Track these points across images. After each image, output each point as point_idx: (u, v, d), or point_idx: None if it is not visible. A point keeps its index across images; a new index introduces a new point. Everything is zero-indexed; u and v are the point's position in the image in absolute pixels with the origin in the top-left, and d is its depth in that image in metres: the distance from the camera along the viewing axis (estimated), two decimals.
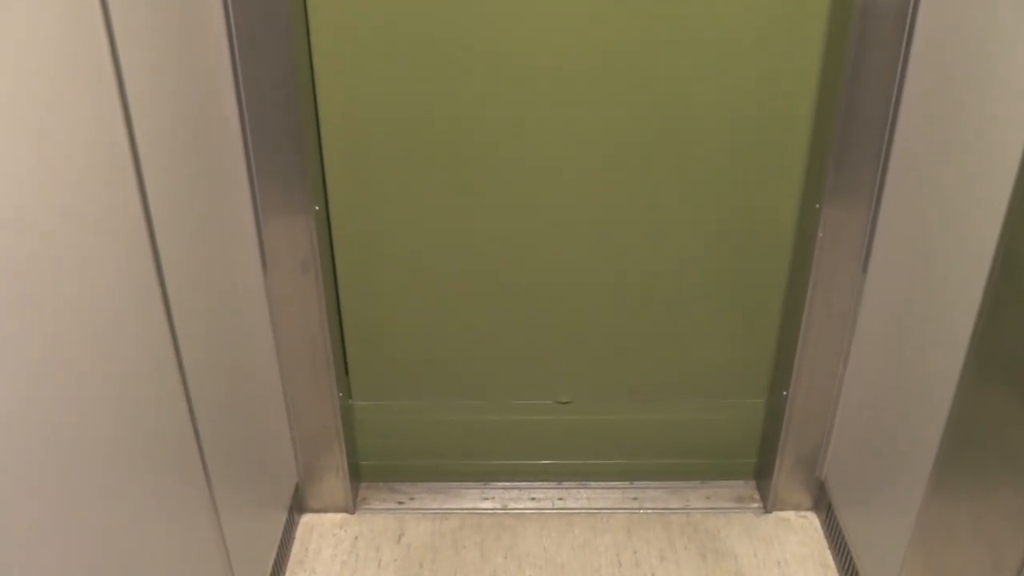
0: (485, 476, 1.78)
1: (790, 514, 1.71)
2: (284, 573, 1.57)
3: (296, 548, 1.63)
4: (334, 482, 1.66)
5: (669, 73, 1.36)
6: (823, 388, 1.56)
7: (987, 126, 1.08)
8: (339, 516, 1.71)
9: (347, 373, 1.66)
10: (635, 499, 1.74)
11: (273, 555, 1.52)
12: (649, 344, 1.61)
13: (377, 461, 1.75)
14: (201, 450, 1.15)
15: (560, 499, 1.75)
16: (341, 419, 1.59)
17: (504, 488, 1.77)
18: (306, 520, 1.70)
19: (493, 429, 1.71)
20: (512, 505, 1.74)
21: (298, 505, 1.69)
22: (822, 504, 1.67)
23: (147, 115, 0.98)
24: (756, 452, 1.75)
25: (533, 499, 1.75)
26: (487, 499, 1.75)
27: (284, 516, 1.60)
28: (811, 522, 1.69)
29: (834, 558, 1.60)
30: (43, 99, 0.77)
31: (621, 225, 1.49)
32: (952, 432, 1.15)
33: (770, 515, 1.71)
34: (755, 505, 1.73)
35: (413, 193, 1.46)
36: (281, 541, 1.57)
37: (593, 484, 1.77)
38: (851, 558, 1.52)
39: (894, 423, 1.35)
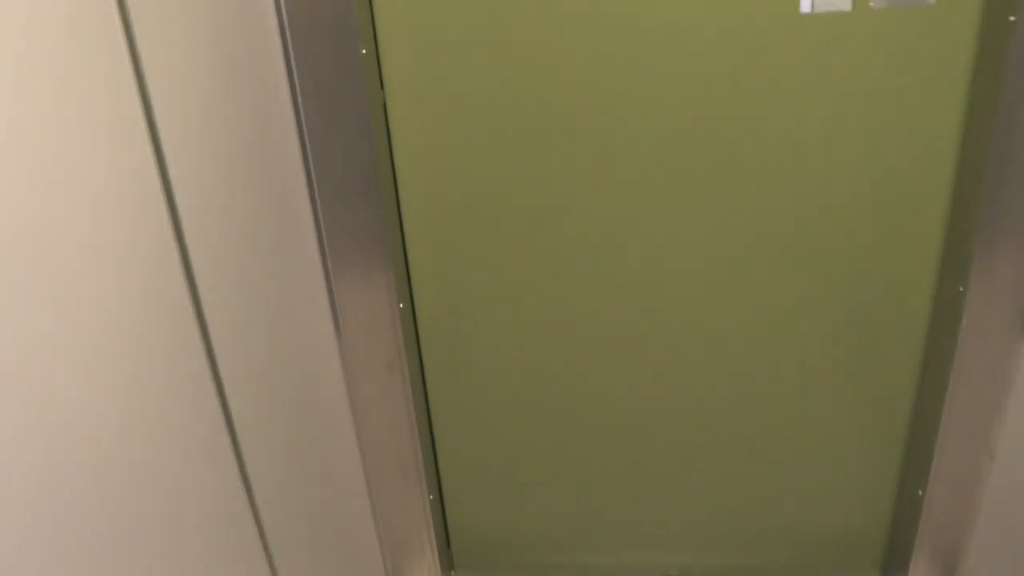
0: (585, 573, 1.65)
1: None
2: None
3: None
4: None
5: (795, 148, 1.22)
6: (965, 487, 1.39)
7: None
8: None
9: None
10: None
11: None
12: (767, 440, 1.47)
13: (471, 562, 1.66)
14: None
15: None
16: (432, 521, 1.49)
17: None
18: None
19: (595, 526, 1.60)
20: None
21: None
22: None
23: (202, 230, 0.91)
24: (883, 553, 1.59)
25: None
26: None
27: None
28: None
29: None
30: (93, 177, 0.71)
31: (736, 315, 1.36)
32: None
33: None
34: None
35: (504, 288, 1.35)
36: None
37: None
38: None
39: None
